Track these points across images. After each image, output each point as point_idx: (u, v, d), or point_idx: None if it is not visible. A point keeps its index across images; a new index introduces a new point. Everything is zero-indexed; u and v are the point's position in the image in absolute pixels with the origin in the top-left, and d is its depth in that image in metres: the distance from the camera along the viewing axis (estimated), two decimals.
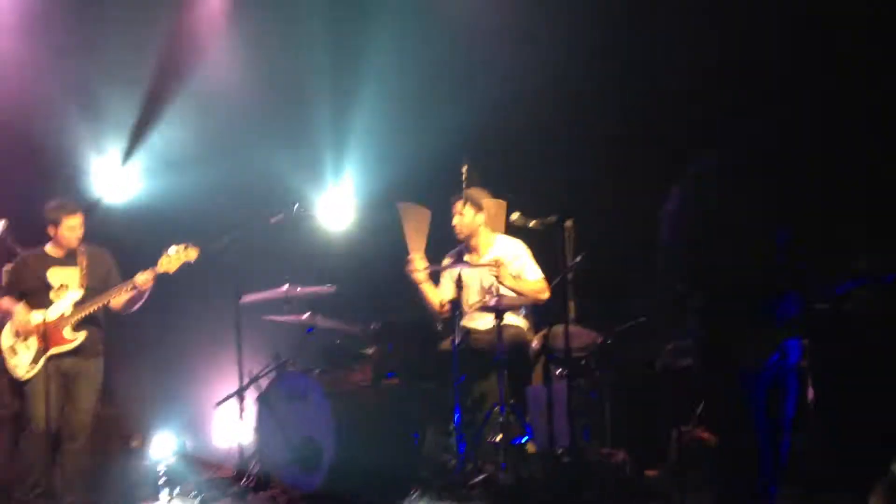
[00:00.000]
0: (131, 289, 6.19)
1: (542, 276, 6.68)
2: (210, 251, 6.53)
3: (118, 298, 6.25)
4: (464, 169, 6.59)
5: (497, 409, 6.13)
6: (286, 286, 6.72)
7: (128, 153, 7.96)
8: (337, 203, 8.16)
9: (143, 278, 6.17)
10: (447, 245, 6.90)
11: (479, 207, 6.69)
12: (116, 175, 7.88)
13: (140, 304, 6.36)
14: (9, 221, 6.13)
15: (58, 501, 5.90)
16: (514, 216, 6.09)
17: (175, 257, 6.25)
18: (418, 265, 6.70)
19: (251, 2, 8.27)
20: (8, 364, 6.15)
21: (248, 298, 6.73)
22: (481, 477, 5.81)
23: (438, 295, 6.79)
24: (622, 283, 7.27)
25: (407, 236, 6.76)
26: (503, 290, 6.40)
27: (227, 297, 6.76)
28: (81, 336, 6.17)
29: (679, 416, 6.13)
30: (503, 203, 6.89)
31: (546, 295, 6.63)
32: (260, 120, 8.11)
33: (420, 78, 7.89)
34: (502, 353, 6.18)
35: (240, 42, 8.19)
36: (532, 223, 6.04)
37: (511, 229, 6.58)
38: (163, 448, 6.50)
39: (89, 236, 6.39)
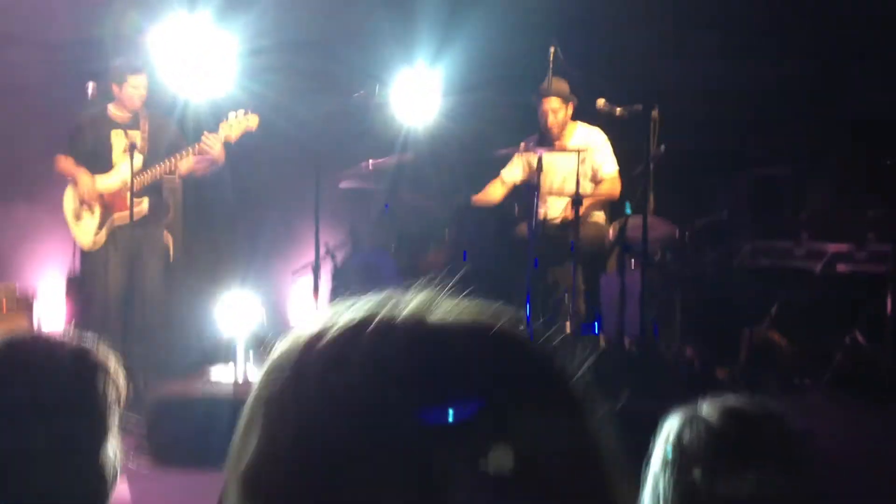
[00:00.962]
0: (195, 153, 6.12)
1: (617, 169, 6.57)
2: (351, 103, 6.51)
3: (183, 164, 6.18)
4: (552, 50, 6.44)
5: (568, 295, 6.13)
6: (369, 162, 6.71)
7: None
8: (421, 85, 8.01)
9: (207, 143, 6.06)
10: (527, 128, 6.81)
11: (567, 99, 6.56)
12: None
13: (206, 171, 6.27)
14: (95, 84, 6.17)
15: (133, 362, 6.07)
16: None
17: (235, 123, 6.16)
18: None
19: None
20: (73, 230, 6.22)
21: (330, 177, 6.73)
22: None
23: (494, 188, 6.77)
24: (705, 177, 7.14)
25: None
26: (583, 183, 6.33)
27: (308, 172, 6.79)
28: (145, 203, 6.16)
29: (752, 317, 6.08)
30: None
31: (617, 192, 6.53)
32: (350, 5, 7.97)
33: None
34: (578, 242, 6.15)
35: None
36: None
37: (594, 116, 6.46)
38: (239, 316, 6.64)
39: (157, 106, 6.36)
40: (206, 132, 6.14)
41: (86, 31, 6.98)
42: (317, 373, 0.81)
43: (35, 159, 7.10)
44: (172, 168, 6.18)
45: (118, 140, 6.16)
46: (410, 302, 0.86)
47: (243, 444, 0.83)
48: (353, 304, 0.88)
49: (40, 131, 7.07)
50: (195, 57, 6.60)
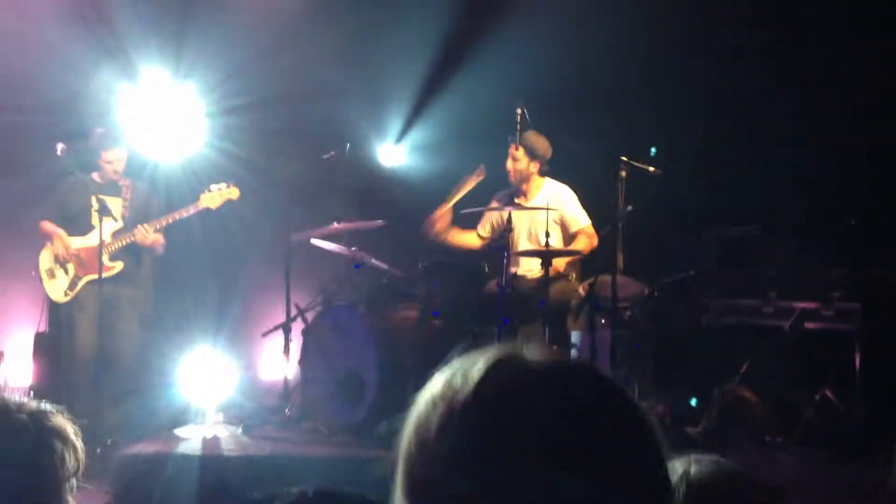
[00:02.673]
0: (166, 223, 6.32)
1: (590, 222, 6.65)
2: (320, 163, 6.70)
3: (152, 235, 6.32)
4: (518, 111, 6.53)
5: None
6: (336, 223, 6.74)
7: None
8: (391, 145, 8.11)
9: (141, 233, 6.26)
10: (500, 186, 6.88)
11: (533, 155, 6.64)
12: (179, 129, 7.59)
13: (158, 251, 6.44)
14: (65, 146, 6.21)
15: (101, 423, 6.02)
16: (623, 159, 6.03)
17: (217, 194, 6.40)
18: (440, 217, 6.71)
19: None
20: (45, 287, 6.30)
21: (299, 236, 6.75)
22: None
23: (471, 236, 6.82)
24: (672, 235, 7.22)
25: (450, 193, 6.76)
26: (551, 240, 6.37)
27: (277, 233, 6.80)
28: (119, 265, 6.32)
29: (722, 374, 6.11)
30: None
31: (595, 243, 6.60)
32: (320, 63, 8.03)
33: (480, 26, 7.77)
34: (547, 300, 6.17)
35: None
36: (651, 169, 6.02)
37: (564, 174, 6.57)
38: (210, 376, 6.58)
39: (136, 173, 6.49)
40: (140, 225, 6.29)
41: (57, 93, 6.99)
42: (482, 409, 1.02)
43: (2, 219, 7.08)
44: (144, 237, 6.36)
45: (96, 207, 6.29)
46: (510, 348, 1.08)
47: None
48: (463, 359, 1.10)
49: (8, 192, 7.06)
50: (165, 119, 6.71)
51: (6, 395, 1.79)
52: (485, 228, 6.94)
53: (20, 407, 1.68)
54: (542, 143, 6.64)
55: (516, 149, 6.61)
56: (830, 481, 5.20)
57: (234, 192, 6.50)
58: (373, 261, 6.76)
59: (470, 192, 6.78)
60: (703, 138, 7.30)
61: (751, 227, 7.06)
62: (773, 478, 5.21)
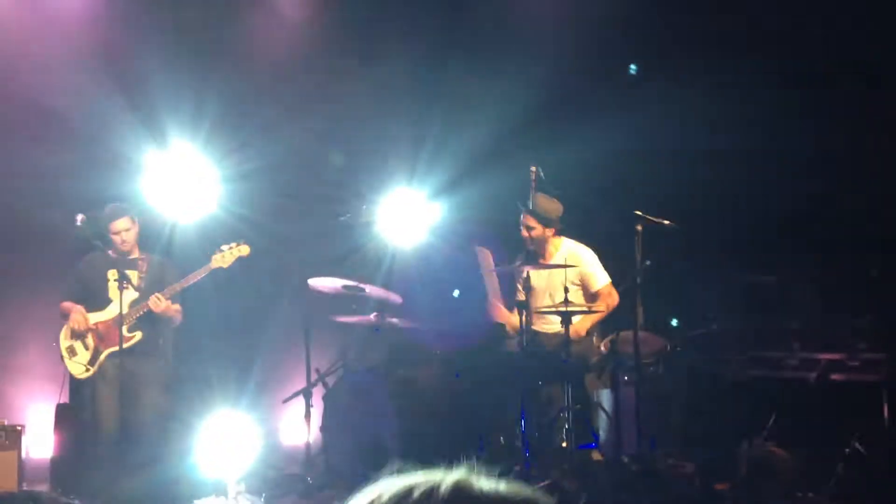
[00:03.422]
0: (180, 288, 6.31)
1: (609, 280, 6.60)
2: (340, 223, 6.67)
3: (164, 303, 6.33)
4: (533, 170, 6.54)
5: (563, 414, 6.07)
6: (356, 284, 6.71)
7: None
8: (410, 206, 8.02)
9: (157, 300, 6.27)
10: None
11: (547, 222, 6.59)
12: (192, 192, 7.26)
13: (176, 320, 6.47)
14: (84, 217, 6.25)
15: (121, 495, 5.97)
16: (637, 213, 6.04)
17: (228, 253, 6.39)
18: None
19: (330, 12, 8.27)
20: (67, 365, 6.30)
21: (316, 286, 6.66)
22: (546, 483, 5.76)
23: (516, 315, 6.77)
24: (693, 289, 7.18)
25: (486, 280, 6.75)
26: (571, 296, 6.33)
27: (297, 294, 6.79)
28: (137, 335, 6.30)
29: (749, 429, 6.03)
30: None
31: (615, 301, 6.54)
32: (336, 127, 8.10)
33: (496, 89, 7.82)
34: (569, 358, 6.13)
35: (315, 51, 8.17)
36: (666, 222, 6.01)
37: (582, 233, 6.55)
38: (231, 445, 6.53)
39: (151, 244, 6.51)
40: (154, 295, 6.27)
41: (78, 157, 7.07)
42: None
43: (22, 289, 7.11)
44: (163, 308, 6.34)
45: (114, 278, 6.31)
46: (452, 475, 1.06)
47: None
48: (397, 479, 1.08)
49: (32, 261, 7.10)
50: (183, 185, 6.75)
51: (22, 488, 1.73)
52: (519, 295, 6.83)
53: (49, 502, 1.62)
54: (553, 207, 6.60)
55: (528, 218, 6.58)
56: None
57: (244, 250, 6.47)
58: (394, 320, 6.71)
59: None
60: (719, 187, 7.28)
61: (770, 276, 7.03)
62: None
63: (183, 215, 6.86)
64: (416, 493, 1.03)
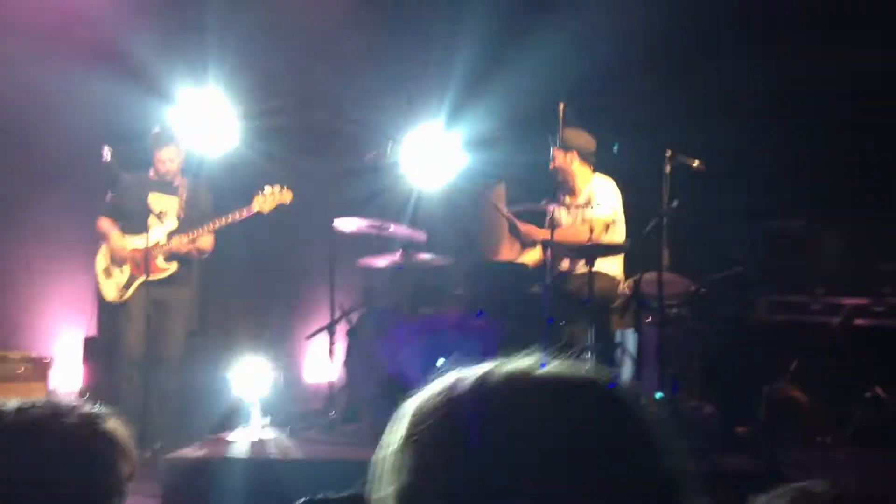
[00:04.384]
0: (220, 225, 6.32)
1: (607, 219, 6.52)
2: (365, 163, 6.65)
3: (206, 240, 6.35)
4: (560, 107, 6.49)
5: (585, 353, 6.09)
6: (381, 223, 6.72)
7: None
8: (436, 145, 7.95)
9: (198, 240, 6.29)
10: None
11: (568, 148, 6.57)
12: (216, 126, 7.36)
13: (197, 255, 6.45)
14: (112, 148, 6.26)
15: (151, 423, 6.07)
16: (669, 154, 5.97)
17: (270, 197, 6.37)
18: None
19: None
20: (101, 286, 6.33)
21: (341, 227, 6.68)
22: None
23: (535, 252, 6.76)
24: (718, 231, 7.14)
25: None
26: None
27: (322, 233, 6.80)
28: (173, 266, 6.32)
29: (771, 373, 6.03)
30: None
31: (599, 237, 6.49)
32: (361, 64, 8.03)
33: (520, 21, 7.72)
34: (592, 298, 6.12)
35: None
36: (696, 163, 5.95)
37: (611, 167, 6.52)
38: (256, 379, 6.62)
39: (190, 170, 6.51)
40: (178, 236, 6.25)
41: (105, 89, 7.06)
42: (465, 416, 1.04)
43: (48, 217, 7.16)
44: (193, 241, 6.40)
45: (156, 203, 6.34)
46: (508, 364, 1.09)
47: (391, 475, 1.06)
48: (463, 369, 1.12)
49: (58, 192, 7.15)
50: (211, 122, 6.73)
51: (56, 398, 1.76)
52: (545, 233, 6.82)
53: (71, 410, 1.64)
54: (578, 136, 6.58)
55: (554, 150, 6.56)
56: (887, 480, 5.10)
57: (287, 196, 6.48)
58: (419, 259, 6.72)
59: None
60: (748, 131, 7.20)
61: (798, 221, 6.97)
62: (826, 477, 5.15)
63: (210, 150, 6.86)
64: (507, 379, 1.08)
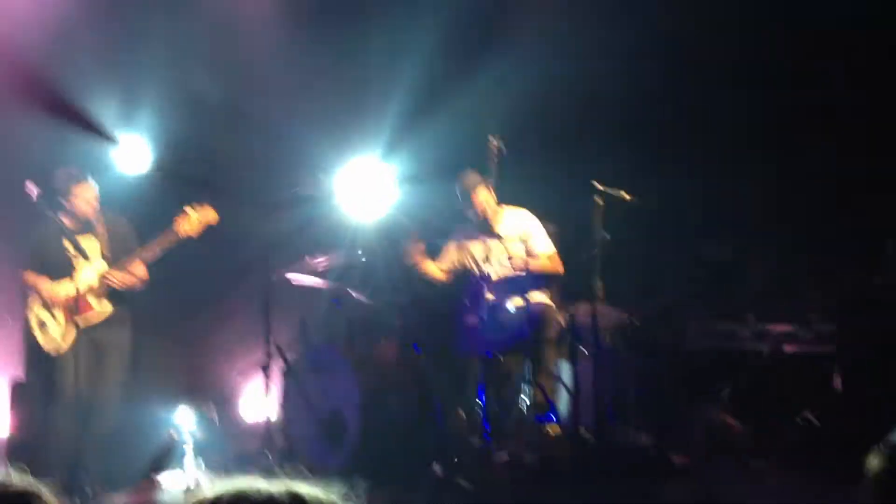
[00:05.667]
0: (151, 257, 6.13)
1: (554, 250, 6.60)
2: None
3: (139, 268, 6.19)
4: (492, 140, 6.54)
5: (522, 386, 6.13)
6: (309, 258, 6.69)
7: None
8: (371, 179, 7.92)
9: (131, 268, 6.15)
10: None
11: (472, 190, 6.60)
12: (137, 145, 7.24)
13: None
14: (40, 190, 6.05)
15: (85, 469, 5.90)
16: (597, 185, 6.05)
17: (195, 218, 6.13)
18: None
19: None
20: (40, 340, 6.09)
21: (281, 273, 6.64)
22: (505, 454, 5.82)
23: (438, 268, 6.78)
24: (650, 261, 7.25)
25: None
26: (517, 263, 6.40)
27: (255, 266, 6.72)
28: (108, 306, 6.12)
29: (704, 400, 6.12)
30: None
31: (560, 269, 6.56)
32: (295, 94, 8.01)
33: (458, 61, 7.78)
34: (528, 331, 6.17)
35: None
36: (628, 196, 6.03)
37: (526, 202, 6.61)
38: (190, 420, 6.51)
39: (105, 204, 6.31)
40: (109, 271, 6.11)
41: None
42: None
43: None
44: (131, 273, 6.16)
45: (77, 246, 6.08)
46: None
47: None
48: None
49: None
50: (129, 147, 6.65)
51: None
52: (444, 263, 6.85)
53: (6, 489, 1.57)
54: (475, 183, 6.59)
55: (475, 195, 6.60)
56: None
57: (211, 215, 6.19)
58: (352, 294, 6.71)
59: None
60: (677, 162, 7.34)
61: (726, 248, 7.11)
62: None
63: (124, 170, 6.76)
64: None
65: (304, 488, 1.30)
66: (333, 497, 1.28)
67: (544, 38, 7.45)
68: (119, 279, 6.06)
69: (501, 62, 7.52)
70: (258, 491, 1.27)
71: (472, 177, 6.58)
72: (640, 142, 7.36)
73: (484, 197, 6.57)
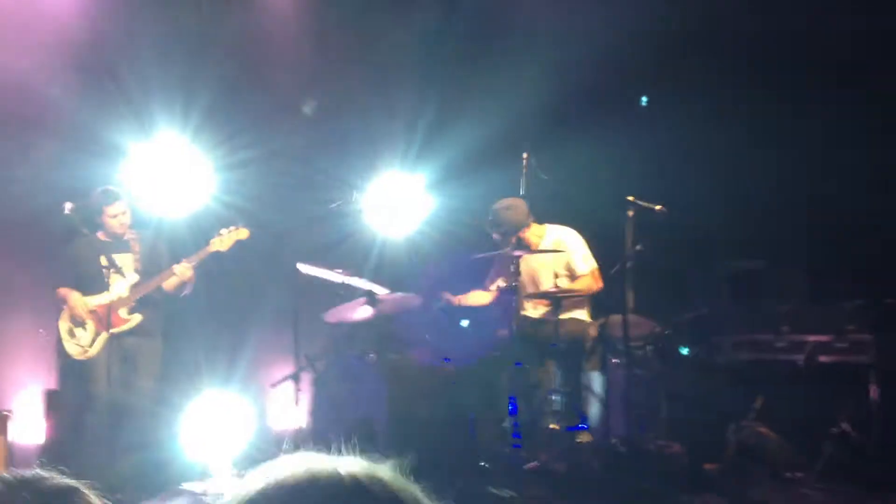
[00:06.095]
0: (183, 270, 6.31)
1: (595, 266, 6.57)
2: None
3: (170, 281, 6.35)
4: (524, 157, 6.55)
5: (552, 396, 6.08)
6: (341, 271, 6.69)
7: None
8: (401, 193, 7.92)
9: (187, 265, 6.30)
10: None
11: (507, 232, 6.54)
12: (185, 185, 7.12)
13: (189, 288, 6.46)
14: (73, 204, 6.22)
15: (111, 479, 5.94)
16: (630, 199, 6.04)
17: (227, 237, 6.39)
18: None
19: None
20: (66, 347, 6.27)
21: (306, 270, 6.64)
22: (535, 464, 5.77)
23: (482, 295, 6.77)
24: (682, 273, 7.19)
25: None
26: (559, 282, 6.36)
27: (286, 280, 6.76)
28: (138, 317, 6.29)
29: (738, 410, 6.04)
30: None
31: (598, 286, 6.54)
32: (329, 115, 8.07)
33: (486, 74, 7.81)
34: (559, 342, 6.14)
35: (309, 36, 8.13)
36: (658, 207, 6.01)
37: (566, 217, 6.58)
38: (221, 428, 6.52)
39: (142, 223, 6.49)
40: (182, 260, 6.31)
41: (65, 152, 7.02)
42: None
43: (7, 275, 7.06)
44: (161, 285, 6.37)
45: (109, 262, 6.30)
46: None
47: None
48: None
49: (8, 250, 7.05)
50: (171, 175, 6.75)
51: (11, 471, 1.65)
52: (495, 284, 6.84)
53: (25, 484, 1.55)
54: (509, 215, 6.53)
55: (494, 233, 6.58)
56: None
57: (243, 233, 6.49)
58: (385, 304, 6.67)
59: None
60: (711, 173, 7.29)
61: (759, 260, 7.04)
62: None
63: (173, 208, 6.85)
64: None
65: (384, 471, 1.20)
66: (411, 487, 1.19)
67: (571, 46, 7.46)
68: (153, 283, 6.24)
69: (529, 69, 7.54)
70: (328, 474, 1.19)
71: (520, 207, 6.53)
72: (674, 154, 7.32)
73: (498, 237, 6.53)
